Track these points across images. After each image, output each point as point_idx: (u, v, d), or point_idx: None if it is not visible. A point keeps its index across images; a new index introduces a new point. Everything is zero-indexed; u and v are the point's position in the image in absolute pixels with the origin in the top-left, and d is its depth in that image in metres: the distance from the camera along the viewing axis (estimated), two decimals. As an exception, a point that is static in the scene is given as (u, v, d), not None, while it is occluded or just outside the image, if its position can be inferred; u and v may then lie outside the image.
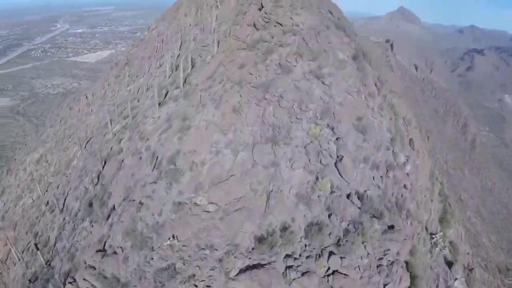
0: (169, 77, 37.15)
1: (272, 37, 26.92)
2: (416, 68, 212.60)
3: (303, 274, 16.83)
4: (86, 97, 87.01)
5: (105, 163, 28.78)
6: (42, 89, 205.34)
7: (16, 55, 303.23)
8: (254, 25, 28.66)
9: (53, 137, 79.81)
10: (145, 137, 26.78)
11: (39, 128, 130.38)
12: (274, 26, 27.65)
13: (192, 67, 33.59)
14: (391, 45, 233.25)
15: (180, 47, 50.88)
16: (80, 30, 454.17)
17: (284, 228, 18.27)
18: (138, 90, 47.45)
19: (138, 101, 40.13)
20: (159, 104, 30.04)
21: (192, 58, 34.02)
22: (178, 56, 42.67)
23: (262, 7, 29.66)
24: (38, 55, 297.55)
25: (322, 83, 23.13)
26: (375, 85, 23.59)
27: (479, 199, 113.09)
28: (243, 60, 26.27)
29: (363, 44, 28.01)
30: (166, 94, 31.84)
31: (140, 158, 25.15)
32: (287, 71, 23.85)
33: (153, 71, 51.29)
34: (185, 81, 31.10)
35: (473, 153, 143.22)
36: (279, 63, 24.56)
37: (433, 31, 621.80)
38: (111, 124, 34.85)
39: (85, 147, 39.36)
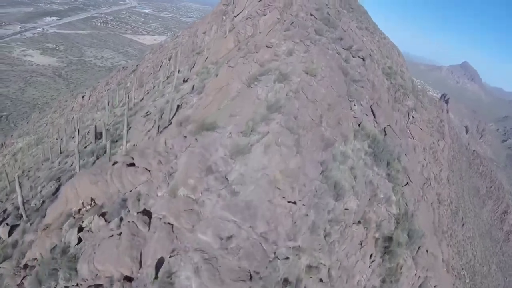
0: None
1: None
2: (467, 131, 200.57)
3: None
4: (83, 97, 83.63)
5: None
6: (91, 58, 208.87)
7: (78, 19, 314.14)
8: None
9: (39, 130, 76.87)
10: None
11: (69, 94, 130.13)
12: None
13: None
14: (447, 101, 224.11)
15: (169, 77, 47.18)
16: (146, 11, 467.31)
17: None
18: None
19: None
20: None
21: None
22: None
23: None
24: (99, 24, 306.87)
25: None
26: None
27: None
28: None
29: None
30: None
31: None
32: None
33: (144, 95, 46.73)
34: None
35: (505, 246, 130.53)
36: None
37: (492, 94, 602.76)
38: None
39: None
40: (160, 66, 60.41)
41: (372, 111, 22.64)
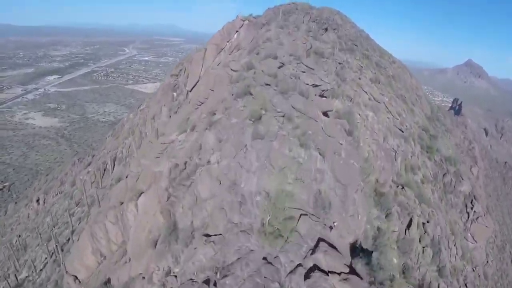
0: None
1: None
2: (486, 133, 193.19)
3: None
4: (37, 201, 76.20)
5: None
6: (93, 114, 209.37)
7: (79, 75, 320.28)
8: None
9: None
10: None
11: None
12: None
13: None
14: (460, 105, 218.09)
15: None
16: (146, 58, 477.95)
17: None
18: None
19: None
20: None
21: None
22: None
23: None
24: (100, 78, 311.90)
25: None
26: None
27: None
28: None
29: None
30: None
31: None
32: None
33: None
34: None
35: None
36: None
37: (501, 87, 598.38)
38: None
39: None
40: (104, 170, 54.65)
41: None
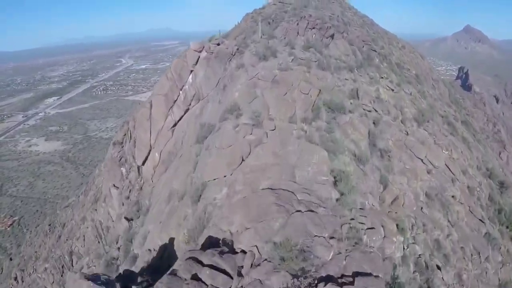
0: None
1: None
2: (497, 100, 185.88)
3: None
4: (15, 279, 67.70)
5: None
6: (96, 132, 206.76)
7: (78, 93, 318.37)
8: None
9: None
10: None
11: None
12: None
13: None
14: (466, 73, 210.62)
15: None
16: (143, 66, 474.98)
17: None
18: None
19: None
20: None
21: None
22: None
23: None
24: (99, 93, 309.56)
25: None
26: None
27: None
28: None
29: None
30: None
31: None
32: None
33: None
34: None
35: None
36: None
37: (503, 48, 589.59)
38: None
39: None
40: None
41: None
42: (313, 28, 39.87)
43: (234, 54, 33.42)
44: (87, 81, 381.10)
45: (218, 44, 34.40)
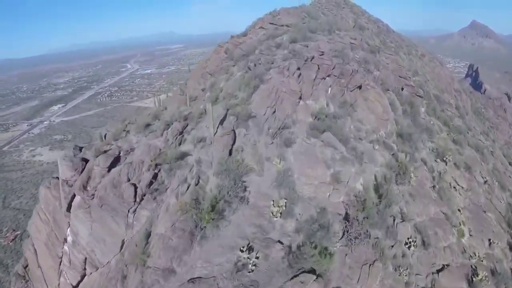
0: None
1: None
2: (509, 98, 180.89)
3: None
4: None
5: None
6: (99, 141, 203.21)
7: (83, 100, 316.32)
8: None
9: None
10: None
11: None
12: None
13: None
14: (476, 71, 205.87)
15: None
16: (148, 71, 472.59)
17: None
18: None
19: None
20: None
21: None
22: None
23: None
24: (104, 99, 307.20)
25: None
26: None
27: None
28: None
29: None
30: None
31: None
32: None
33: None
34: None
35: None
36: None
37: (510, 42, 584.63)
38: None
39: None
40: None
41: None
42: (328, 76, 26.56)
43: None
44: (92, 87, 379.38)
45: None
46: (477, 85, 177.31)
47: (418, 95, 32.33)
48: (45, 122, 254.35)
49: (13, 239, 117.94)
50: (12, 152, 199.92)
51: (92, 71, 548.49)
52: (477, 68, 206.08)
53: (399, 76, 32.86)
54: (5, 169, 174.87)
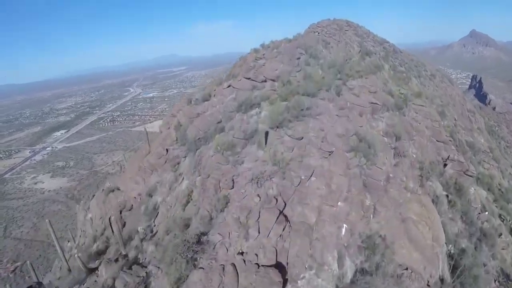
0: None
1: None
2: None
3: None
4: None
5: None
6: (102, 167, 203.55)
7: (86, 125, 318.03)
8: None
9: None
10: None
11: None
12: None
13: None
14: (480, 82, 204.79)
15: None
16: (151, 95, 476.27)
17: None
18: None
19: None
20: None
21: None
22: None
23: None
24: (106, 124, 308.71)
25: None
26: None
27: None
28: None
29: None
30: None
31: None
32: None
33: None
34: None
35: None
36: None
37: (510, 49, 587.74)
38: None
39: None
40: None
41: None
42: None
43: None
44: (94, 112, 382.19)
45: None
46: (481, 96, 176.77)
47: (467, 174, 22.68)
48: (48, 149, 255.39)
49: (13, 270, 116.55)
50: (14, 179, 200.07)
51: (95, 95, 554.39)
52: (481, 78, 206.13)
53: (437, 141, 23.86)
54: (7, 197, 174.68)
